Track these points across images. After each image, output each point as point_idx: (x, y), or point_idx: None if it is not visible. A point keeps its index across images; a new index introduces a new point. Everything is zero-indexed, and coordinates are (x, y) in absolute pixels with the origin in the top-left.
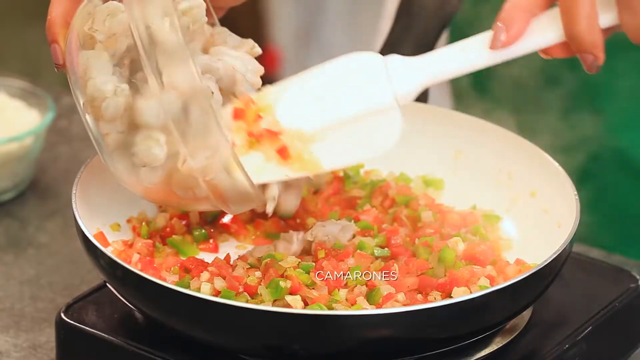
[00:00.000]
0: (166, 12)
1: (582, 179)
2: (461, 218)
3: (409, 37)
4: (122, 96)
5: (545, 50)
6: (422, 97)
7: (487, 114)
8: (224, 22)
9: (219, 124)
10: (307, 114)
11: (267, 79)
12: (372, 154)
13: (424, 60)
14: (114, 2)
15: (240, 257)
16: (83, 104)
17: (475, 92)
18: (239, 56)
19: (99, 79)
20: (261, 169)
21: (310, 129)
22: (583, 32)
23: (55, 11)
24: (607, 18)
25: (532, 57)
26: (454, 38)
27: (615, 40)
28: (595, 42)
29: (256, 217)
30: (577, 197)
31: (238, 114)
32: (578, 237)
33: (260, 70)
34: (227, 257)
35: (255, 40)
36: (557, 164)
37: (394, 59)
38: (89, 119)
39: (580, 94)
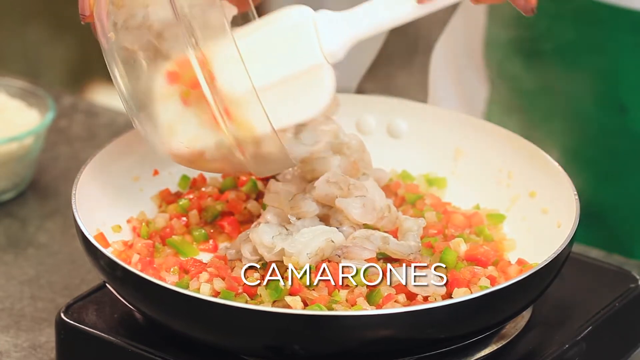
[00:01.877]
0: None
1: (599, 175)
2: (466, 219)
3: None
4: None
5: None
6: (422, 97)
7: (520, 103)
8: None
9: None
10: (240, 75)
11: None
12: (304, 116)
13: (351, 14)
14: None
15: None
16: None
17: (510, 79)
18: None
19: None
20: (196, 136)
21: (242, 90)
22: None
23: None
24: None
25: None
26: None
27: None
28: None
29: (248, 220)
30: (577, 197)
31: (173, 78)
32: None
33: None
34: (225, 257)
35: None
36: (557, 164)
37: (322, 15)
38: (117, 72)
39: (602, 88)
